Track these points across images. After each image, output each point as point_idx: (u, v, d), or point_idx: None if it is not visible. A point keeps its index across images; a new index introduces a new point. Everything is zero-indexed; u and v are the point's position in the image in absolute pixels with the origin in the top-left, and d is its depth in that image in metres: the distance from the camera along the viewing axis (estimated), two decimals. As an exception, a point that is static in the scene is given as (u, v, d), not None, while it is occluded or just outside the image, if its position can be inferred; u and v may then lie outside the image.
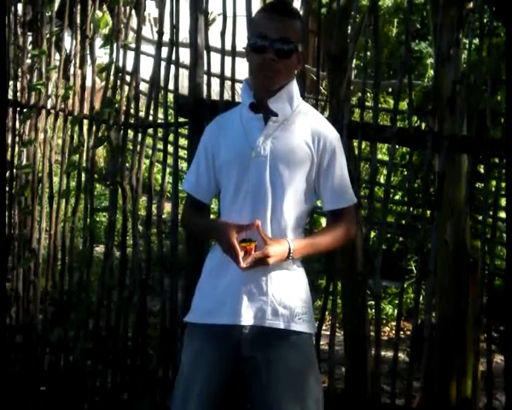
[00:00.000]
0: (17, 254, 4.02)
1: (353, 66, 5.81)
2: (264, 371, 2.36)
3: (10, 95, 4.05)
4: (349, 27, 3.43)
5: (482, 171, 3.64)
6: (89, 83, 3.75)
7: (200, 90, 3.37)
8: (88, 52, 3.72)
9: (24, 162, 3.99)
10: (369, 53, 3.24)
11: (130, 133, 3.69)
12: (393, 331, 4.72)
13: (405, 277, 3.77)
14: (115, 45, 3.58)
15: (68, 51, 3.83)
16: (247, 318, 2.38)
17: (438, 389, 3.26)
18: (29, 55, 3.93)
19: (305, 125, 2.43)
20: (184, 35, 3.45)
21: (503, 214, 5.01)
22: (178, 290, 3.46)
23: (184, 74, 3.70)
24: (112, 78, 3.62)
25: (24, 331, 4.00)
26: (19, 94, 3.98)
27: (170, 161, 4.45)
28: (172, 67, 3.43)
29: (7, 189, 4.00)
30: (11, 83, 4.01)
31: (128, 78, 3.57)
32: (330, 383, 3.23)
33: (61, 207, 3.86)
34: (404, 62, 3.17)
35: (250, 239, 2.32)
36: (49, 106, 3.88)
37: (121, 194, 3.60)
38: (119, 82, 3.61)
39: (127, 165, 3.62)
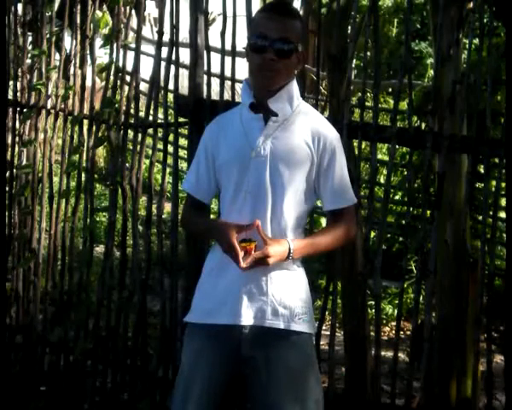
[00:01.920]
0: (17, 254, 4.02)
1: (353, 66, 5.81)
2: (264, 372, 2.36)
3: (10, 95, 4.05)
4: (349, 27, 3.43)
5: (482, 171, 3.64)
6: (89, 83, 3.75)
7: (200, 90, 3.37)
8: (88, 52, 3.72)
9: (24, 162, 3.99)
10: (369, 53, 3.24)
11: (130, 133, 3.69)
12: (393, 331, 4.72)
13: (405, 277, 3.76)
14: (115, 45, 3.58)
15: (68, 51, 3.84)
16: (247, 318, 2.38)
17: (438, 389, 3.26)
18: (29, 55, 3.93)
19: (305, 125, 2.43)
20: (184, 35, 3.45)
21: (503, 214, 5.01)
22: (178, 290, 3.46)
23: (184, 74, 3.70)
24: (112, 78, 3.62)
25: (24, 331, 4.00)
26: (19, 94, 3.98)
27: (170, 161, 4.45)
28: (172, 67, 3.43)
29: (7, 189, 4.00)
30: (11, 83, 4.01)
31: (128, 78, 3.58)
32: (330, 383, 3.23)
33: (61, 207, 3.86)
34: (404, 62, 3.17)
35: (250, 239, 2.32)
36: (49, 106, 3.88)
37: (121, 194, 3.60)
38: (119, 82, 3.61)
39: (127, 165, 3.62)
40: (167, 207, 3.73)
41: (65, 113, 3.81)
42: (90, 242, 3.73)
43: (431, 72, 10.02)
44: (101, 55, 3.71)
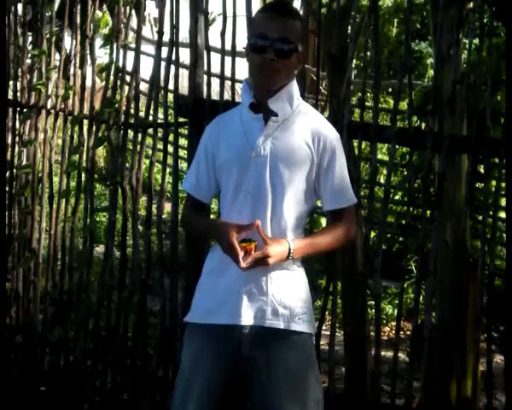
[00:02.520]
0: (17, 254, 4.02)
1: (353, 66, 5.81)
2: (264, 372, 2.36)
3: (10, 95, 4.05)
4: (349, 27, 3.43)
5: (482, 171, 3.63)
6: (89, 83, 3.75)
7: (200, 90, 3.37)
8: (88, 52, 3.72)
9: (24, 162, 3.99)
10: (368, 53, 3.24)
11: (130, 133, 3.69)
12: (393, 331, 4.72)
13: (405, 277, 3.76)
14: (115, 45, 3.58)
15: (68, 51, 3.84)
16: (247, 318, 2.38)
17: (438, 389, 3.26)
18: (29, 55, 3.93)
19: (305, 125, 2.43)
20: (184, 35, 3.45)
21: (503, 214, 5.01)
22: (178, 290, 3.46)
23: (184, 74, 3.70)
24: (112, 78, 3.62)
25: (24, 331, 4.00)
26: (19, 94, 3.98)
27: (170, 161, 4.45)
28: (172, 67, 3.43)
29: (7, 189, 4.00)
30: (11, 83, 4.01)
31: (128, 78, 3.58)
32: (330, 383, 3.23)
33: (60, 207, 3.86)
34: (404, 62, 3.17)
35: (250, 239, 2.32)
36: (49, 106, 3.88)
37: (121, 194, 3.60)
38: (119, 82, 3.61)
39: (127, 165, 3.62)
40: (167, 207, 3.73)
41: (65, 113, 3.81)
42: (90, 242, 3.73)
43: (431, 72, 10.02)
44: (101, 55, 3.72)
